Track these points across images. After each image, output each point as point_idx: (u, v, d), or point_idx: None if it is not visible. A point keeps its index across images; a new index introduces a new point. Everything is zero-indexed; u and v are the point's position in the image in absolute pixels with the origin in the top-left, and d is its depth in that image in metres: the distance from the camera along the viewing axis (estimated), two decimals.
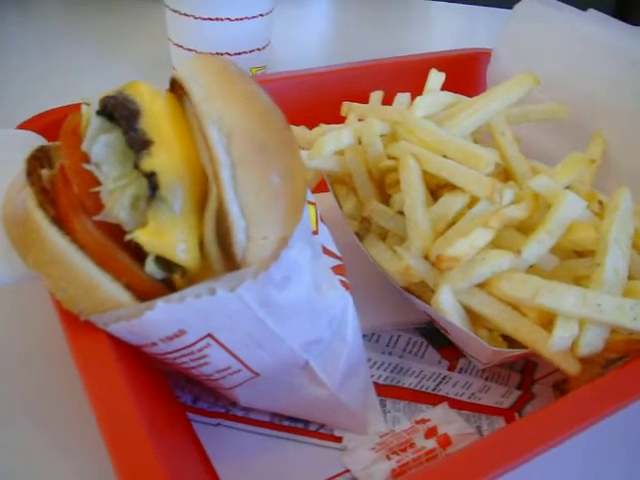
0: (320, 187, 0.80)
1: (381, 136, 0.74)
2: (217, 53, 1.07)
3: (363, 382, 0.62)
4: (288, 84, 0.92)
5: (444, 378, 0.68)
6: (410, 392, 0.66)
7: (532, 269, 0.63)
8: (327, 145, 0.68)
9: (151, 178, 0.46)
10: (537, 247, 0.60)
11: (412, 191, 0.64)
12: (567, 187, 0.68)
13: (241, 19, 1.05)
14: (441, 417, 0.63)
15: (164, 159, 0.47)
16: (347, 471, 0.58)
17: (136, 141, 0.48)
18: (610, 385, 0.52)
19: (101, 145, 0.49)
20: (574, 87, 0.86)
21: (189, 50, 1.07)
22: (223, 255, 0.49)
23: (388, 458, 0.58)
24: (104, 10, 1.51)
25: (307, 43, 1.54)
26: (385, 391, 0.66)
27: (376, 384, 0.66)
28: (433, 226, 0.63)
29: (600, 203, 0.66)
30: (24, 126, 0.74)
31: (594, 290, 0.57)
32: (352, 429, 0.61)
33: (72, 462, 0.57)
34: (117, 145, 0.49)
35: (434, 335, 0.71)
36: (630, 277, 0.63)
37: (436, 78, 0.79)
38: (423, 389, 0.66)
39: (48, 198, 0.50)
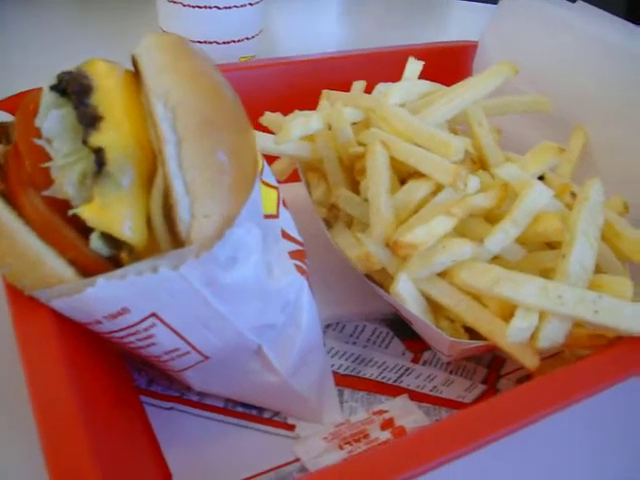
0: (294, 177, 0.78)
1: (355, 123, 0.72)
2: (205, 41, 1.06)
3: (319, 370, 0.60)
4: (271, 72, 0.91)
5: (407, 370, 0.66)
6: (370, 383, 0.65)
7: (497, 260, 0.61)
8: (295, 130, 0.67)
9: (98, 154, 0.45)
10: (501, 237, 0.58)
11: (377, 177, 0.63)
12: (540, 177, 0.67)
13: (229, 7, 1.04)
14: (399, 409, 0.61)
15: (113, 135, 0.47)
16: (297, 460, 0.57)
17: (85, 116, 0.47)
18: (561, 380, 0.50)
19: (52, 120, 0.48)
20: (560, 80, 0.84)
21: None
22: (170, 233, 0.48)
23: (340, 448, 0.57)
24: (106, 6, 1.52)
25: (312, 35, 1.53)
26: (344, 381, 0.65)
27: (336, 373, 0.64)
28: (396, 213, 0.61)
29: (573, 195, 0.64)
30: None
31: (557, 282, 0.56)
32: (306, 418, 0.60)
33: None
34: (68, 121, 0.48)
35: (400, 326, 0.69)
36: (599, 271, 0.61)
37: (414, 66, 0.77)
38: (384, 380, 0.65)
39: (0, 174, 0.50)
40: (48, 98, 0.49)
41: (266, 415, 0.61)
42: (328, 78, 0.90)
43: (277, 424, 0.60)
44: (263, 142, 0.68)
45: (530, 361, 0.55)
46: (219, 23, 1.05)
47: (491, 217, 0.63)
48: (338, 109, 0.69)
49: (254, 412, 0.61)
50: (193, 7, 1.03)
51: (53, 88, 0.50)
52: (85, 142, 0.46)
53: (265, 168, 0.60)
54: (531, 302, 0.54)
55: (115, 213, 0.46)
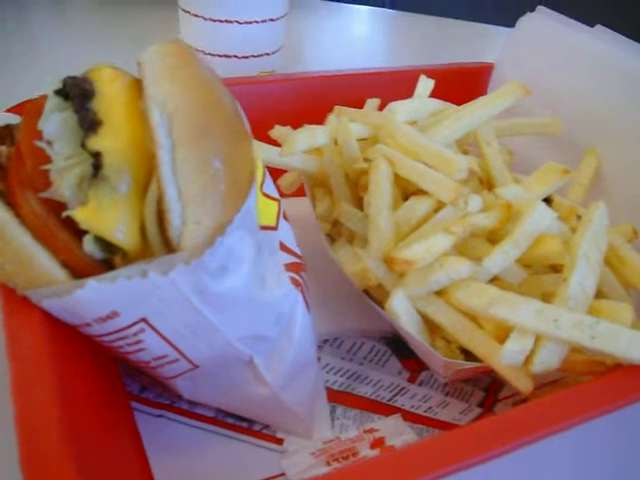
0: (302, 191, 0.78)
1: (362, 140, 0.72)
2: (225, 55, 1.07)
3: (311, 385, 0.60)
4: (286, 86, 0.91)
5: (402, 389, 0.65)
6: (364, 401, 0.64)
7: (498, 282, 0.60)
8: (299, 143, 0.67)
9: (96, 157, 0.46)
10: (501, 258, 0.58)
11: (379, 193, 0.62)
12: (549, 200, 0.66)
13: (250, 23, 1.05)
14: (391, 428, 0.60)
15: (111, 140, 0.47)
16: (283, 474, 0.56)
17: (85, 120, 0.48)
18: (550, 406, 0.49)
19: (53, 123, 0.49)
20: (576, 104, 0.83)
21: (197, 51, 1.08)
22: (164, 239, 0.48)
23: (328, 464, 0.56)
24: (131, 14, 1.55)
25: (334, 52, 1.54)
26: (337, 397, 0.64)
27: (329, 389, 0.64)
28: (397, 230, 0.61)
29: (579, 218, 0.63)
30: (14, 110, 0.75)
31: (555, 305, 0.54)
32: (296, 432, 0.60)
33: None
34: (70, 124, 0.49)
35: (399, 345, 0.68)
36: (602, 296, 0.60)
37: (425, 84, 0.77)
38: (378, 399, 0.64)
39: (2, 174, 0.51)
40: (52, 102, 0.50)
41: (256, 427, 0.60)
42: (343, 95, 0.90)
43: (266, 437, 0.59)
44: (268, 154, 0.68)
45: (524, 385, 0.54)
46: (239, 38, 1.06)
47: (494, 238, 0.62)
48: (344, 124, 0.69)
49: (244, 424, 0.60)
50: (214, 21, 1.04)
51: (57, 92, 0.50)
52: (84, 145, 0.46)
53: (267, 180, 0.60)
54: (526, 324, 0.53)
55: (109, 217, 0.46)
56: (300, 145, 0.67)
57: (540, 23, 0.88)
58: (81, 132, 0.47)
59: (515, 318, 0.53)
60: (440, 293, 0.58)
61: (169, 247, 0.47)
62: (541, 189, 0.64)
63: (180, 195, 0.46)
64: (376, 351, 0.69)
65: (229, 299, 0.49)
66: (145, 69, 0.50)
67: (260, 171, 0.58)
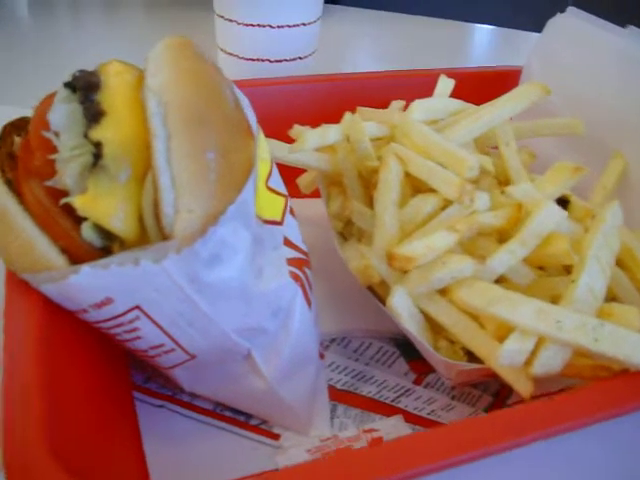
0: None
1: (378, 139, 0.72)
2: (257, 59, 1.08)
3: (311, 382, 0.59)
4: (310, 88, 0.91)
5: (407, 391, 0.64)
6: (366, 400, 0.63)
7: (506, 283, 0.58)
8: (310, 140, 0.67)
9: (96, 147, 0.47)
10: (507, 257, 0.56)
11: (386, 190, 0.61)
12: (566, 201, 0.64)
13: (282, 27, 1.06)
14: (391, 429, 0.59)
15: (112, 130, 0.48)
16: (277, 470, 0.55)
17: (89, 111, 0.49)
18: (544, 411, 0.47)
19: (59, 114, 0.50)
20: (606, 107, 0.80)
21: (231, 55, 1.10)
22: (160, 228, 0.48)
23: None
24: (173, 17, 1.59)
25: (367, 56, 1.53)
26: (339, 396, 0.63)
27: (332, 388, 0.63)
28: (402, 227, 0.60)
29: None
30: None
31: (559, 306, 0.52)
32: (293, 428, 0.59)
33: None
34: (76, 115, 0.50)
35: (407, 347, 0.67)
36: (614, 299, 0.57)
37: (445, 84, 0.76)
38: (381, 399, 0.63)
39: (12, 163, 0.53)
40: (61, 94, 0.52)
41: (253, 422, 0.60)
42: (368, 97, 0.89)
43: (262, 432, 0.59)
44: (278, 151, 0.68)
45: (524, 388, 0.52)
46: (271, 42, 1.07)
47: (504, 238, 0.60)
48: (356, 121, 0.69)
49: (242, 418, 0.60)
50: (247, 25, 1.05)
51: (66, 85, 0.52)
52: (86, 136, 0.47)
53: (274, 175, 0.60)
54: (527, 324, 0.51)
55: (106, 204, 0.47)
56: (311, 142, 0.67)
57: (570, 24, 0.85)
58: (85, 123, 0.48)
59: (515, 317, 0.51)
60: (443, 292, 0.57)
61: (165, 236, 0.47)
62: (553, 188, 0.62)
63: (173, 184, 0.46)
64: (384, 352, 0.68)
65: (222, 289, 0.49)
66: (149, 62, 0.52)
67: (266, 166, 0.58)
